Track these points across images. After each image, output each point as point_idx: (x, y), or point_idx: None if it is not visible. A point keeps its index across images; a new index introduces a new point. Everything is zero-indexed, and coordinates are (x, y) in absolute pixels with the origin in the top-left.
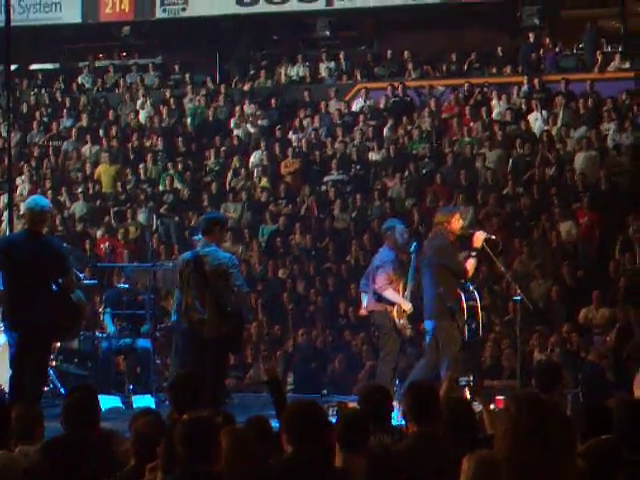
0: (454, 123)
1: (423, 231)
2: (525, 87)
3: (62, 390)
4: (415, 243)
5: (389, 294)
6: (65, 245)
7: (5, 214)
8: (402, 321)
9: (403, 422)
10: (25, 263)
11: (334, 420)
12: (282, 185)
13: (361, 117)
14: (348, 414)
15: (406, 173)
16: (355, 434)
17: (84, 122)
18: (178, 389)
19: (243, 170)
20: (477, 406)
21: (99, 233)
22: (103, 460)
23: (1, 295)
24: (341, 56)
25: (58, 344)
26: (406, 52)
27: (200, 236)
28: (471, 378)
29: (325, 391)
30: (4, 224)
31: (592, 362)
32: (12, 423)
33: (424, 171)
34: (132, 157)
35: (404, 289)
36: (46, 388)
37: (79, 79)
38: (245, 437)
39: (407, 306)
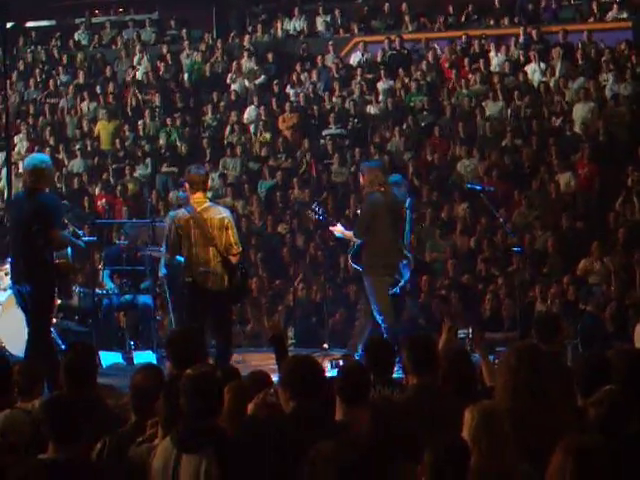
0: (452, 75)
1: (419, 185)
2: (522, 38)
3: (63, 347)
4: (409, 199)
5: None
6: (64, 202)
7: (3, 172)
8: None
9: (402, 374)
10: (17, 220)
11: (334, 373)
12: (280, 140)
13: (358, 71)
14: (348, 367)
15: (404, 126)
16: (356, 387)
17: (81, 79)
18: (176, 344)
19: (240, 125)
20: (476, 358)
21: (97, 190)
22: (101, 417)
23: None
24: (338, 9)
25: (59, 301)
26: (403, 5)
27: (183, 193)
28: (470, 330)
29: (326, 345)
30: (2, 182)
31: (591, 313)
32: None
33: (422, 124)
34: (130, 113)
35: None
36: None
37: (75, 36)
38: (248, 392)
39: None
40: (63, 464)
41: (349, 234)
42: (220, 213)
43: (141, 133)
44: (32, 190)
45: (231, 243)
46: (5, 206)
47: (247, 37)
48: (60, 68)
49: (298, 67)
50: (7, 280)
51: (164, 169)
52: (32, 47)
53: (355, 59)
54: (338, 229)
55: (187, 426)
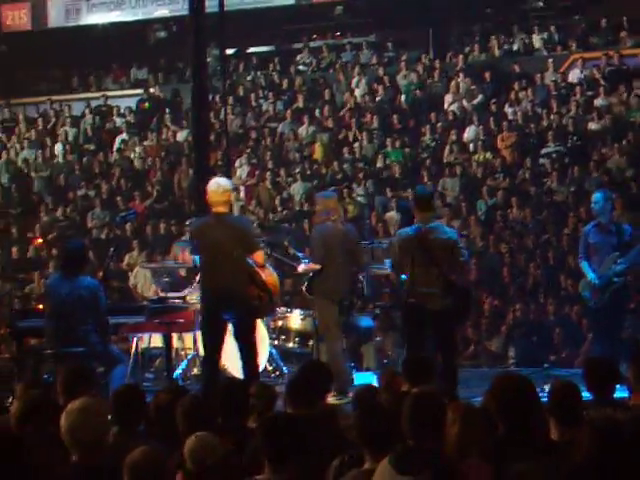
0: None
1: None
2: None
3: (284, 369)
4: (628, 228)
5: (582, 266)
6: (284, 225)
7: None
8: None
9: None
10: (214, 245)
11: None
12: (499, 159)
13: (577, 88)
14: (559, 388)
15: (624, 143)
16: (568, 408)
17: (300, 103)
18: (411, 365)
19: (459, 145)
20: None
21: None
22: (329, 437)
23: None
24: (555, 27)
25: (279, 323)
26: (622, 20)
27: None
28: None
29: (547, 364)
30: None
31: None
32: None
33: None
34: (348, 136)
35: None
36: (269, 367)
37: (298, 58)
38: (474, 413)
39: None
40: None
41: (312, 266)
42: (445, 234)
43: (359, 155)
44: (221, 214)
45: (458, 263)
46: (192, 233)
47: (464, 57)
48: (279, 93)
49: (516, 85)
50: None
51: (389, 193)
52: (252, 72)
53: (573, 76)
54: (303, 268)
55: (406, 447)
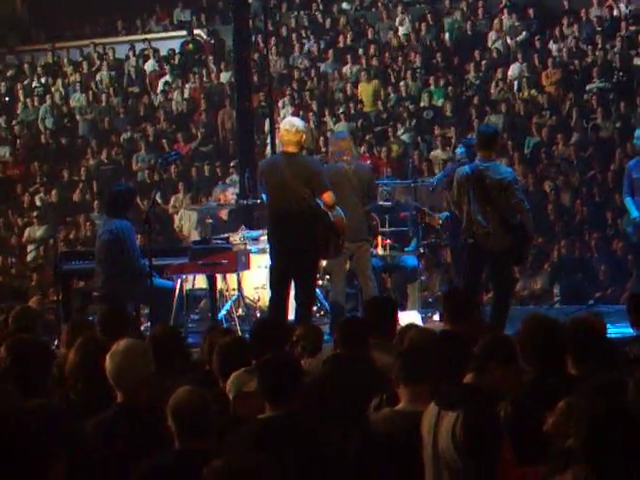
0: None
1: None
2: None
3: (329, 308)
4: None
5: (625, 202)
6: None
7: (268, 138)
8: None
9: None
10: (281, 184)
11: None
12: (544, 96)
13: (622, 23)
14: (575, 324)
15: None
16: (586, 343)
17: (342, 42)
18: (451, 301)
19: (504, 83)
20: None
21: (362, 151)
22: (366, 375)
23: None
24: None
25: (323, 263)
26: None
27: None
28: None
29: (592, 301)
30: (268, 147)
31: None
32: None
33: None
34: (392, 75)
35: None
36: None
37: None
38: (514, 351)
39: None
40: (278, 422)
41: None
42: (500, 174)
43: (403, 94)
44: (291, 153)
45: (512, 204)
46: (261, 171)
47: None
48: (322, 32)
49: (562, 21)
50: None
51: (437, 132)
52: (295, 12)
53: (619, 11)
54: None
55: (444, 385)
